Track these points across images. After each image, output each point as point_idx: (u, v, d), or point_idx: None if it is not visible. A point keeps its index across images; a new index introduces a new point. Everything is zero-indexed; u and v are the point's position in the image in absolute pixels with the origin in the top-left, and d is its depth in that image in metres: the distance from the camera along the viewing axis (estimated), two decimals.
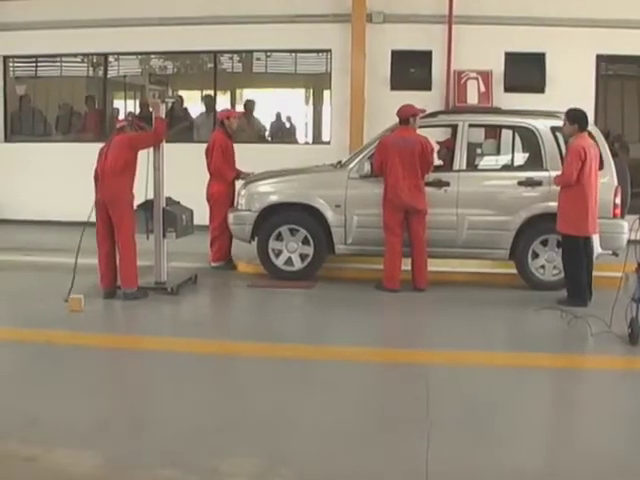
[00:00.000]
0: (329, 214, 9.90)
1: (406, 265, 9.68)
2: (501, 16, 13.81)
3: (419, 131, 9.73)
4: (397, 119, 9.76)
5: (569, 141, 9.15)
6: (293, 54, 15.47)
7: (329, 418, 5.54)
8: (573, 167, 8.78)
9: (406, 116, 9.61)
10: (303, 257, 10.06)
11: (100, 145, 9.31)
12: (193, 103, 16.24)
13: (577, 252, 8.99)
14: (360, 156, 10.05)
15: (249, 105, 15.25)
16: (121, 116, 15.44)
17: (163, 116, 9.35)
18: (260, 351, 7.27)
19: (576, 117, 8.96)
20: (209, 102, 15.59)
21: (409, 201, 9.44)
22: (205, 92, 15.91)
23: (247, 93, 16.92)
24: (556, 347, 7.50)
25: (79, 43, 15.13)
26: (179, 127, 15.23)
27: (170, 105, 14.32)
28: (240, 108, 15.48)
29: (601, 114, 14.30)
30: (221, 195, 10.75)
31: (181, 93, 16.23)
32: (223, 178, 10.77)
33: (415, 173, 9.46)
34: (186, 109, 16.04)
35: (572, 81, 13.62)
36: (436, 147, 10.52)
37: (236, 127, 11.17)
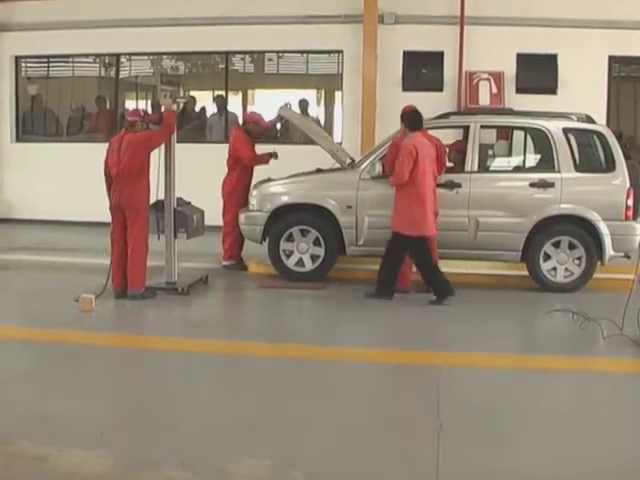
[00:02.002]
0: (340, 215, 9.88)
1: None
2: (513, 17, 13.79)
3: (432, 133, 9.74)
4: None
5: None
6: (305, 55, 15.47)
7: (339, 419, 5.53)
8: (405, 166, 8.84)
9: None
10: (314, 258, 10.05)
11: None
12: (205, 103, 16.24)
13: (404, 251, 9.13)
14: (372, 157, 10.03)
15: (303, 105, 15.20)
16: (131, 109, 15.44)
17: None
18: (271, 352, 7.27)
19: (403, 116, 9.24)
20: (221, 103, 15.60)
21: None
22: (217, 92, 15.91)
23: (259, 94, 16.96)
24: (568, 350, 7.46)
25: (91, 43, 15.19)
26: (190, 126, 15.25)
27: (182, 106, 14.37)
28: (252, 108, 15.51)
29: (613, 116, 14.26)
30: (234, 189, 10.78)
31: (193, 93, 16.25)
32: (240, 161, 10.82)
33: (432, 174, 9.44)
34: (204, 108, 16.07)
35: (584, 82, 13.60)
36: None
37: (259, 132, 11.19)
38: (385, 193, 9.63)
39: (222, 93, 15.66)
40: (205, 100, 16.38)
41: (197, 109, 16.11)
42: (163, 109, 9.30)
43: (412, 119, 9.19)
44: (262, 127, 11.28)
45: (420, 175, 8.91)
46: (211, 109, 16.03)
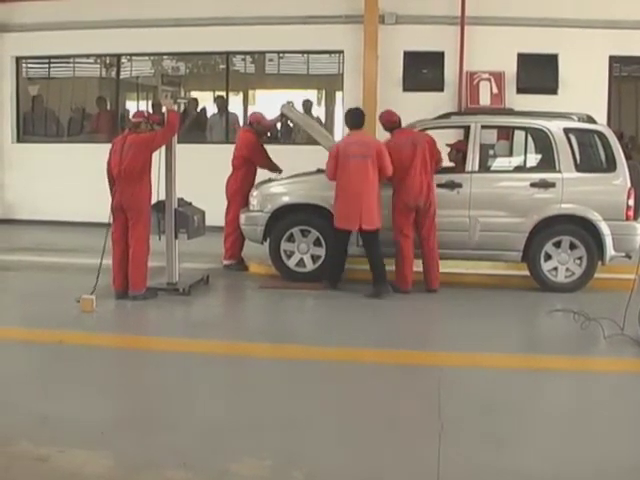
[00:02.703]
0: None
1: (418, 266, 9.67)
2: (513, 17, 13.79)
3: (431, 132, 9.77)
4: (409, 120, 9.86)
5: None
6: (305, 55, 15.47)
7: (340, 419, 5.54)
8: (328, 165, 9.47)
9: (396, 121, 9.73)
10: (315, 258, 10.05)
11: None
12: (205, 104, 16.25)
13: (341, 244, 9.54)
14: None
15: (307, 105, 15.22)
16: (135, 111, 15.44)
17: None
18: (272, 352, 7.27)
19: (344, 115, 9.89)
20: (221, 103, 15.61)
21: (420, 199, 9.41)
22: (217, 93, 15.92)
23: (259, 94, 16.96)
24: (569, 350, 7.46)
25: (92, 44, 15.18)
26: (187, 122, 15.28)
27: (183, 107, 14.40)
28: (253, 109, 15.51)
29: (614, 116, 14.26)
30: (239, 189, 10.78)
31: (194, 94, 16.27)
32: (250, 162, 10.87)
33: (426, 170, 9.45)
34: (204, 109, 16.08)
35: (585, 82, 13.60)
36: (446, 149, 10.54)
37: (262, 130, 11.17)
38: (385, 194, 9.64)
39: (223, 94, 15.66)
40: (206, 100, 16.39)
41: (198, 110, 16.11)
42: (164, 109, 9.30)
43: (347, 118, 9.77)
44: (264, 125, 11.28)
45: (342, 173, 9.28)
46: (211, 110, 16.02)
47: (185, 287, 9.32)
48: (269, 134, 12.32)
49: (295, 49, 15.18)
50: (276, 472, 4.61)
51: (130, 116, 9.92)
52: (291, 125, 14.97)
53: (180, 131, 9.77)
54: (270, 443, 5.04)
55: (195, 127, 15.66)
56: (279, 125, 14.38)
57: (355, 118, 9.65)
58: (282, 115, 11.24)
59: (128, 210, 8.88)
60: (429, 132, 9.82)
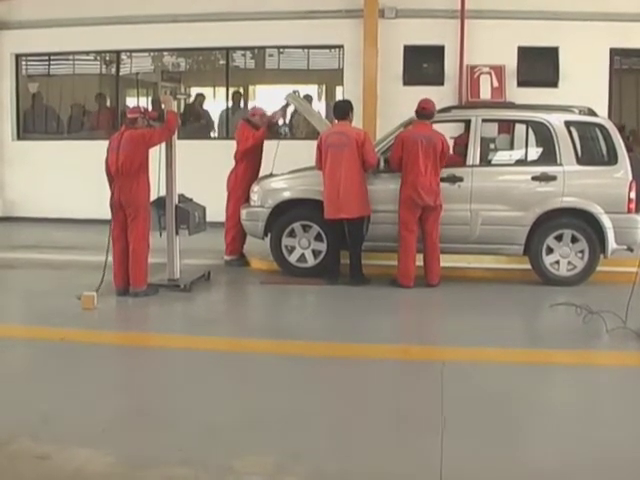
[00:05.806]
0: None
1: (418, 261, 9.64)
2: (514, 10, 13.78)
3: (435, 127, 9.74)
4: (409, 114, 9.78)
5: None
6: (305, 50, 15.48)
7: (342, 415, 5.53)
8: (315, 155, 9.76)
9: (432, 112, 9.58)
10: (316, 253, 10.03)
11: None
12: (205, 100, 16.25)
13: (334, 234, 9.79)
14: None
15: (307, 100, 15.17)
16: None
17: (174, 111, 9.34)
18: (274, 348, 7.24)
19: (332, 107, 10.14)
20: (237, 99, 15.64)
21: (429, 198, 9.37)
22: (217, 89, 15.92)
23: (260, 89, 16.96)
24: (571, 343, 7.42)
25: (91, 40, 15.19)
26: (195, 125, 15.27)
27: (189, 102, 14.43)
28: (253, 104, 15.50)
29: (615, 108, 14.23)
30: (240, 183, 10.74)
31: (194, 90, 16.26)
32: (250, 154, 10.84)
33: (436, 172, 9.42)
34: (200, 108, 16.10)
35: (586, 75, 13.59)
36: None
37: (262, 123, 11.11)
38: (388, 188, 9.63)
39: (223, 89, 15.65)
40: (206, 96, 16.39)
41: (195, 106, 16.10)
42: (164, 106, 9.29)
43: (334, 109, 10.16)
44: (267, 118, 11.19)
45: (325, 163, 9.57)
46: (210, 105, 16.01)
47: (186, 283, 9.31)
48: (282, 131, 12.31)
49: (295, 44, 15.20)
50: (279, 468, 4.59)
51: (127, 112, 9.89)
52: (291, 121, 14.97)
53: (183, 127, 9.76)
54: (273, 439, 5.02)
55: (196, 123, 15.66)
56: (281, 121, 14.38)
57: (339, 109, 9.95)
58: (286, 105, 11.20)
59: (127, 207, 8.87)
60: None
